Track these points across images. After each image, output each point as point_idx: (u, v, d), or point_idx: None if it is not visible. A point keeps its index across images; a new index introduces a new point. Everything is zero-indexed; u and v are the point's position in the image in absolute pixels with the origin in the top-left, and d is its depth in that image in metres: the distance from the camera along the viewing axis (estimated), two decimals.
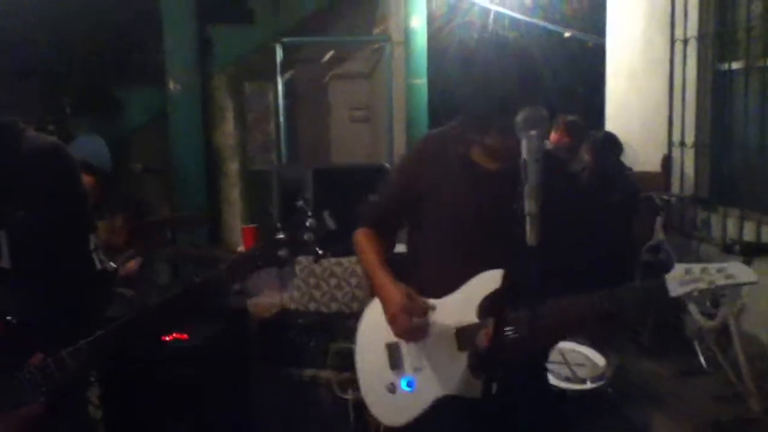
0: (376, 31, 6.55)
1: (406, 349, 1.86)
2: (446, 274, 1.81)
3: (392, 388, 1.86)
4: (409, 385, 1.83)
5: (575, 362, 3.72)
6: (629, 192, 4.77)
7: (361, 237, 1.99)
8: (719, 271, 1.47)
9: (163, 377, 2.85)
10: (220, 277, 1.54)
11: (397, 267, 1.92)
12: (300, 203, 1.60)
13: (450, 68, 1.69)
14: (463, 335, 1.76)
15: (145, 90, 6.00)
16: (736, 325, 3.88)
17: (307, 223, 1.53)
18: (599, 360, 3.79)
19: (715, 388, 4.10)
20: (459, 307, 1.78)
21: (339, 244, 4.32)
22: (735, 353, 3.87)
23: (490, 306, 1.72)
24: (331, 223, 1.57)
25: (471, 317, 1.75)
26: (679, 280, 1.50)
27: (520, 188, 1.62)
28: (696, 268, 1.50)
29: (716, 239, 4.58)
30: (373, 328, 1.92)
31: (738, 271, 1.48)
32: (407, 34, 6.34)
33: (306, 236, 1.53)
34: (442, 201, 1.84)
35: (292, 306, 3.98)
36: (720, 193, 4.80)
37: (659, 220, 4.82)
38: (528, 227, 1.56)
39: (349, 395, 3.46)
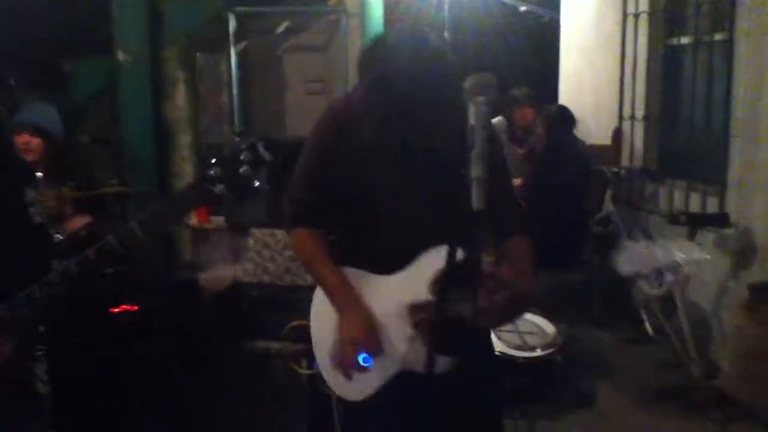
0: (331, 2, 6.46)
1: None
2: (391, 249, 1.80)
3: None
4: (365, 361, 1.81)
5: (526, 330, 3.80)
6: (581, 165, 4.85)
7: (304, 244, 1.90)
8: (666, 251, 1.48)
9: (111, 350, 2.81)
10: (157, 217, 1.51)
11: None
12: (235, 138, 1.58)
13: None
14: (416, 312, 1.77)
15: (93, 61, 5.84)
16: (680, 294, 4.00)
17: (242, 156, 1.51)
18: (549, 328, 3.88)
19: (660, 355, 4.23)
20: (411, 284, 1.79)
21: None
22: (679, 321, 4.00)
23: (439, 283, 1.74)
24: (266, 155, 1.55)
25: (423, 294, 1.76)
26: (627, 259, 1.51)
27: (467, 153, 1.63)
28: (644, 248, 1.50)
29: (663, 210, 4.69)
30: (329, 304, 1.88)
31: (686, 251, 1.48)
32: (363, 5, 6.27)
33: (242, 170, 1.50)
34: (376, 176, 1.80)
35: (246, 279, 3.96)
36: (668, 165, 4.91)
37: (609, 192, 4.92)
38: (474, 192, 1.58)
39: (304, 367, 3.47)
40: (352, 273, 1.86)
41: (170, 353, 3.10)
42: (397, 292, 1.81)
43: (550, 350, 3.74)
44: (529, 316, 3.94)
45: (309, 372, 3.42)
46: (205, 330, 3.55)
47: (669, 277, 4.01)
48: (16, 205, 1.53)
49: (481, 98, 1.65)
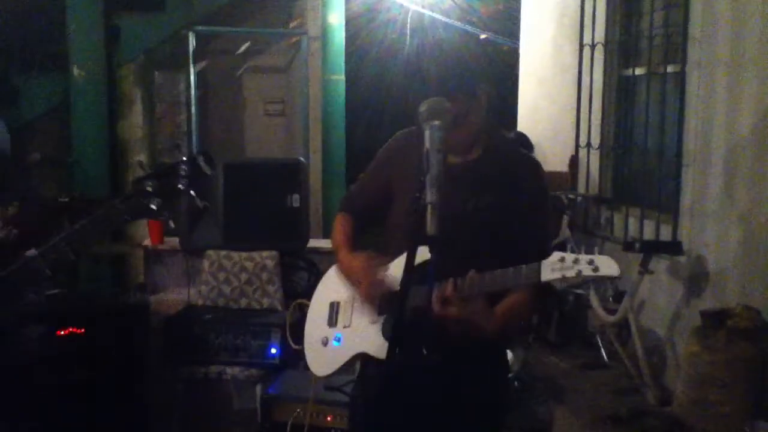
0: (292, 24, 6.46)
1: (342, 308, 2.01)
2: (394, 242, 1.93)
3: (325, 341, 2.00)
4: (337, 340, 1.98)
5: None
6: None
7: (336, 220, 2.15)
8: (589, 263, 1.54)
9: (55, 374, 2.70)
10: (85, 232, 1.45)
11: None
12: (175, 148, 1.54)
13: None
14: (383, 301, 1.85)
15: (46, 77, 5.71)
16: (635, 320, 4.04)
17: (181, 170, 1.45)
18: (507, 354, 3.87)
19: (614, 381, 4.26)
20: (390, 274, 1.87)
21: (253, 239, 4.21)
22: (634, 347, 4.04)
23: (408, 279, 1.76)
24: (206, 168, 1.50)
25: (393, 286, 1.82)
26: (551, 266, 1.57)
27: (422, 178, 1.63)
28: (569, 257, 1.56)
29: (618, 237, 4.76)
30: (326, 286, 2.09)
31: (604, 264, 1.55)
32: (325, 29, 6.29)
33: (180, 184, 1.45)
34: (402, 192, 1.95)
35: (200, 302, 3.87)
36: (622, 193, 5.00)
37: (565, 219, 4.98)
38: (428, 217, 1.58)
39: (258, 392, 3.39)
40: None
41: (117, 378, 2.99)
42: None
43: (508, 376, 3.73)
44: None
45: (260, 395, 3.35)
46: (155, 354, 3.45)
47: (624, 303, 4.05)
48: None
49: (435, 123, 1.67)
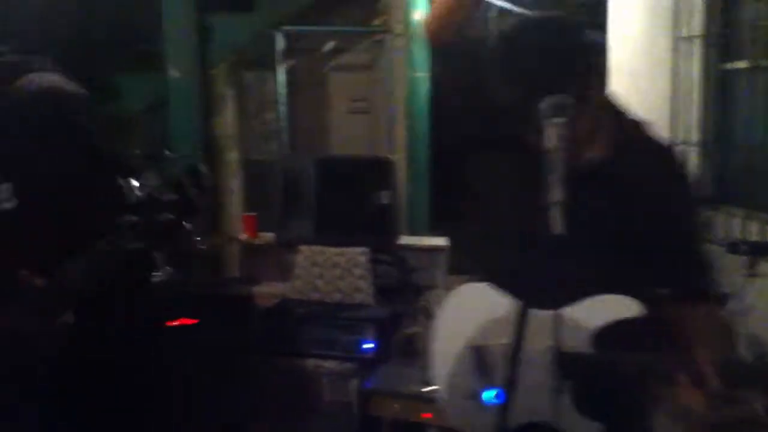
0: (377, 22, 6.49)
1: (500, 357, 1.64)
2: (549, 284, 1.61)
3: (474, 395, 1.69)
4: (497, 397, 1.63)
5: None
6: None
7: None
8: None
9: (164, 363, 2.78)
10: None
11: None
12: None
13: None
14: (568, 362, 1.58)
15: (142, 77, 5.93)
16: (741, 326, 3.86)
17: (166, 199, 1.28)
18: None
19: None
20: (568, 328, 1.61)
21: (343, 234, 4.29)
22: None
23: (615, 337, 1.63)
24: (192, 192, 1.36)
25: (582, 344, 1.63)
26: None
27: (549, 177, 1.59)
28: None
29: (720, 239, 4.56)
30: (455, 323, 1.76)
31: None
32: (409, 26, 6.29)
33: (168, 215, 1.29)
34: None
35: (294, 296, 3.94)
36: (724, 192, 4.79)
37: None
38: (557, 217, 1.54)
39: (353, 386, 3.43)
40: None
41: (218, 368, 3.07)
42: (548, 332, 1.58)
43: None
44: None
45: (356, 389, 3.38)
46: (254, 345, 3.53)
47: (728, 307, 3.88)
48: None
49: (559, 119, 1.62)
